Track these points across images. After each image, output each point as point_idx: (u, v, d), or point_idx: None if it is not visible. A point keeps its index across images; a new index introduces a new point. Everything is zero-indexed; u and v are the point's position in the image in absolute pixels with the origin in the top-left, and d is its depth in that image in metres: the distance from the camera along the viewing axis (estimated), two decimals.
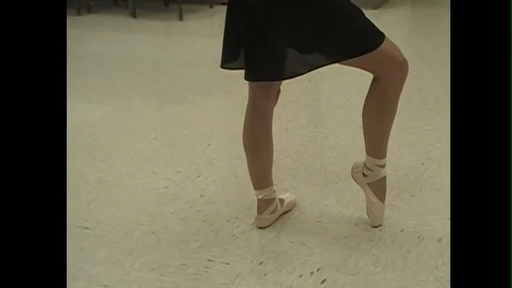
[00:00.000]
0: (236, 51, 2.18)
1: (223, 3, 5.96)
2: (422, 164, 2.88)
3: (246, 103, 2.35)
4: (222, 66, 2.23)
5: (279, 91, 2.35)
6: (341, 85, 3.85)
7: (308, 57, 2.12)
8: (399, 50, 2.16)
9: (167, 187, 2.80)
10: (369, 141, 2.30)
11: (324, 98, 3.92)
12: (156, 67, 4.58)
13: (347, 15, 2.09)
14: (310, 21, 2.06)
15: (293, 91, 3.69)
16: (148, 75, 4.40)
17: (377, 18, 5.38)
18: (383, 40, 2.10)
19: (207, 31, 5.66)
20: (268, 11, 2.07)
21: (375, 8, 5.54)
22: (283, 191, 2.61)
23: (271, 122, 2.36)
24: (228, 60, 2.21)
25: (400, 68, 2.15)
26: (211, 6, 6.07)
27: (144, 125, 3.51)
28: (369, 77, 2.19)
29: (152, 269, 2.20)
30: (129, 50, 5.06)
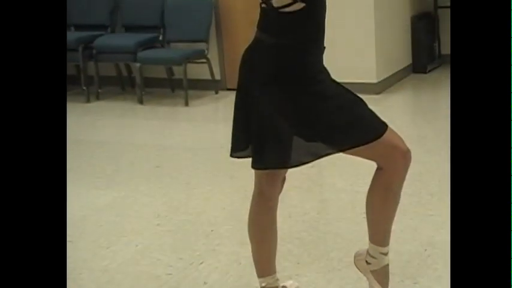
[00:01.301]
0: (244, 140, 2.25)
1: (228, 89, 6.10)
2: (425, 250, 2.88)
3: (250, 188, 2.38)
4: (231, 156, 2.30)
5: (284, 179, 2.40)
6: (343, 170, 3.89)
7: (314, 146, 2.18)
8: (402, 139, 2.22)
9: (170, 274, 2.80)
10: (372, 229, 2.32)
11: (327, 183, 3.96)
12: (162, 152, 4.65)
13: (349, 106, 2.16)
14: (312, 111, 2.13)
15: (296, 176, 3.72)
16: (153, 160, 4.47)
17: (379, 103, 5.53)
18: (386, 130, 2.16)
19: (212, 116, 5.78)
20: (270, 101, 2.14)
21: (377, 93, 5.66)
22: (286, 277, 2.61)
23: (276, 209, 2.40)
24: (237, 150, 2.28)
25: (403, 156, 2.20)
26: (216, 92, 6.21)
27: (148, 211, 3.54)
28: (371, 162, 2.24)
29: None
30: (136, 136, 5.16)
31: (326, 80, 2.18)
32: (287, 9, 2.10)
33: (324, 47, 2.20)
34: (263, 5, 2.18)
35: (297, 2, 2.08)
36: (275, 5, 2.12)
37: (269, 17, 2.17)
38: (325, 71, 2.19)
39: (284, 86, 2.13)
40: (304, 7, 2.09)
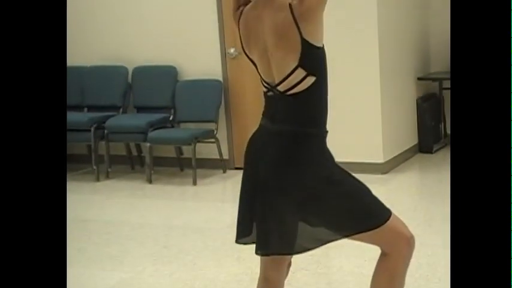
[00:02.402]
0: (249, 226, 2.27)
1: (236, 168, 6.15)
2: None
3: (257, 270, 2.39)
4: (236, 242, 2.32)
5: (290, 263, 2.41)
6: (351, 252, 3.88)
7: (318, 231, 2.21)
8: (405, 225, 2.24)
9: None
10: None
11: (334, 265, 3.93)
12: (169, 232, 4.66)
13: (354, 192, 2.20)
14: (318, 197, 2.16)
15: (303, 257, 3.70)
16: (161, 241, 4.48)
17: (386, 183, 5.55)
18: (389, 216, 2.19)
19: (220, 196, 5.81)
20: (275, 187, 2.18)
21: (384, 173, 5.69)
22: None
23: None
24: (242, 235, 2.30)
25: (407, 243, 2.22)
26: (224, 171, 6.27)
27: None
28: None
29: None
30: (144, 216, 5.18)
31: (331, 165, 2.22)
32: (296, 89, 2.15)
33: (327, 131, 2.26)
34: (270, 94, 2.25)
35: (308, 76, 2.14)
36: (283, 89, 2.18)
37: (275, 103, 2.23)
38: (329, 156, 2.24)
39: (289, 172, 2.17)
40: (314, 82, 2.15)
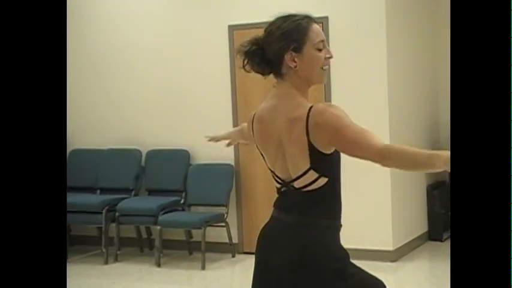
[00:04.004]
0: None
1: (245, 253, 6.13)
2: None
3: None
4: None
5: None
6: None
7: None
8: None
9: None
10: None
11: None
12: None
13: (368, 286, 2.21)
14: None
15: None
16: None
17: (395, 271, 5.49)
18: None
19: (228, 282, 5.76)
20: (289, 280, 2.19)
21: (393, 260, 5.64)
22: None
23: None
24: None
25: None
26: (233, 255, 6.23)
27: None
28: None
29: None
30: None
31: (345, 258, 2.23)
32: (310, 188, 2.19)
33: (341, 225, 2.28)
34: (284, 189, 2.28)
35: (320, 177, 2.18)
36: (298, 185, 2.22)
37: (289, 197, 2.25)
38: (342, 249, 2.25)
39: (303, 266, 2.18)
40: (326, 182, 2.19)
